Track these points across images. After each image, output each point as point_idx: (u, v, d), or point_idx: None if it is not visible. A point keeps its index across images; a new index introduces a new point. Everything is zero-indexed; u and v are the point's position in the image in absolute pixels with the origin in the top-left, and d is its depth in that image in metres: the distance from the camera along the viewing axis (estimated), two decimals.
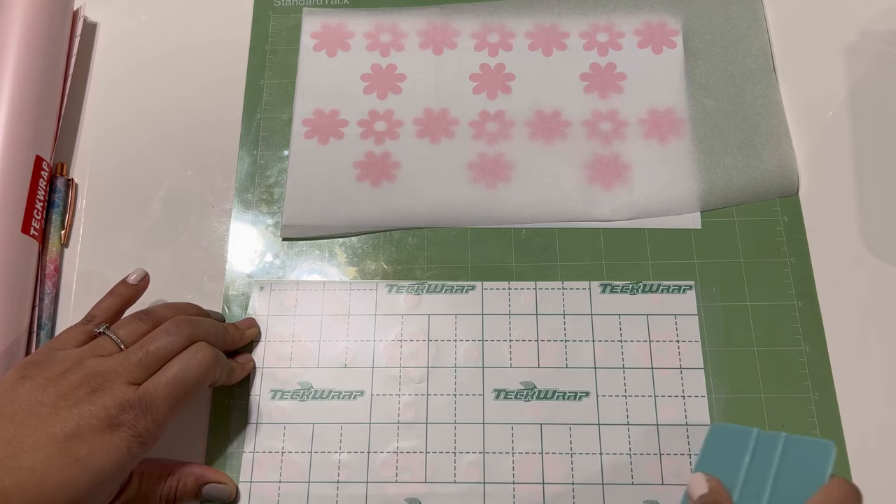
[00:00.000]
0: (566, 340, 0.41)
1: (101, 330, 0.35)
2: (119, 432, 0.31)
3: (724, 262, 0.43)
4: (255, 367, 0.40)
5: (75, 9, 0.48)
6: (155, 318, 0.36)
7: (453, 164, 0.45)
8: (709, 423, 0.39)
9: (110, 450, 0.31)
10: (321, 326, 0.41)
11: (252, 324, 0.41)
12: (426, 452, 0.39)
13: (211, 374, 0.35)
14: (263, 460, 0.39)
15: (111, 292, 0.37)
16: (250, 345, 0.41)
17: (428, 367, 0.40)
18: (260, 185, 0.45)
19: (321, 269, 0.43)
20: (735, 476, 0.30)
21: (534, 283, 0.42)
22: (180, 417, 0.39)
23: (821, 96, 0.47)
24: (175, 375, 0.33)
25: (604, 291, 0.42)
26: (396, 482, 0.38)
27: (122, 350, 0.34)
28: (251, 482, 0.38)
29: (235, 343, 0.40)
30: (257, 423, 0.39)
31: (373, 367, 0.40)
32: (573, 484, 0.38)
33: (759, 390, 0.40)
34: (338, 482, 0.38)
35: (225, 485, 0.37)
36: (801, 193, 0.44)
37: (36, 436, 0.30)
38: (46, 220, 0.43)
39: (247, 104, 0.47)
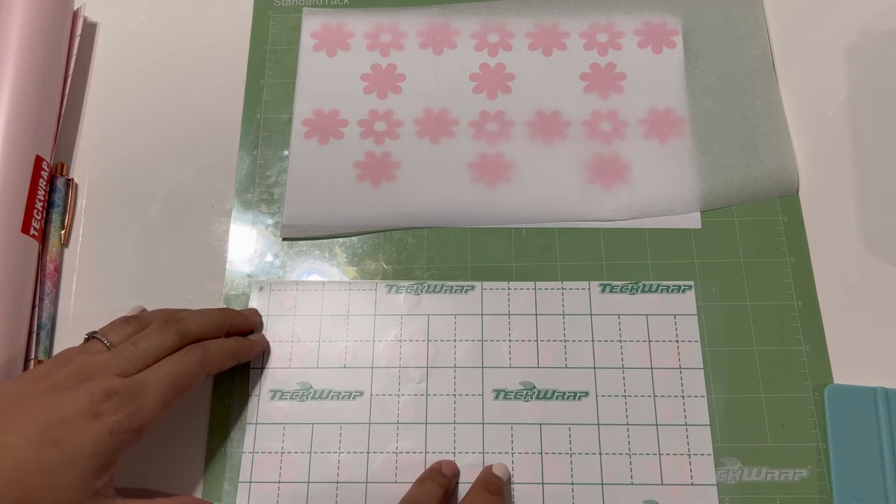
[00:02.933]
0: (566, 340, 0.41)
1: (89, 334, 0.35)
2: (102, 418, 0.31)
3: (724, 261, 0.42)
4: (257, 367, 0.40)
5: (75, 9, 0.48)
6: (142, 321, 0.36)
7: (453, 164, 0.45)
8: (708, 423, 0.39)
9: (90, 433, 0.31)
10: (321, 327, 0.41)
11: (255, 312, 0.41)
12: (426, 452, 0.39)
13: (205, 369, 0.35)
14: (263, 460, 0.39)
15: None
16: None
17: (427, 367, 0.40)
18: (260, 185, 0.45)
19: (321, 269, 0.43)
20: (873, 436, 0.33)
21: (533, 283, 0.42)
22: (180, 417, 0.39)
23: (821, 96, 0.47)
24: (168, 370, 0.34)
25: (603, 291, 0.42)
26: (396, 482, 0.38)
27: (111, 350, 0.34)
28: (251, 482, 0.38)
29: (237, 327, 0.40)
30: (257, 424, 0.39)
31: (372, 368, 0.40)
32: (572, 484, 0.38)
33: (758, 390, 0.40)
34: (337, 482, 0.38)
35: None
36: (801, 193, 0.44)
37: (18, 421, 0.30)
38: (46, 220, 0.43)
39: (247, 104, 0.47)
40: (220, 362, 0.37)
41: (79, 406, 0.31)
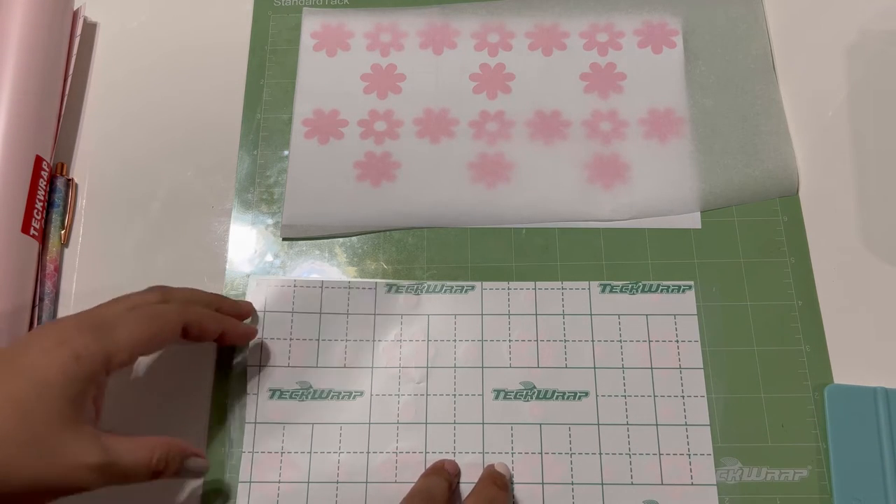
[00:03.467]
0: (566, 340, 0.41)
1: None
2: (68, 345, 0.31)
3: (724, 262, 0.42)
4: (255, 366, 0.40)
5: (75, 9, 0.48)
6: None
7: (453, 164, 0.45)
8: (708, 423, 0.39)
9: (55, 359, 0.30)
10: (320, 326, 0.41)
11: (248, 304, 0.41)
12: (426, 452, 0.39)
13: (183, 319, 0.35)
14: (263, 460, 0.39)
15: None
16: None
17: (427, 367, 0.40)
18: (260, 185, 0.45)
19: (321, 268, 0.43)
20: (873, 436, 0.34)
21: (533, 283, 0.42)
22: (180, 417, 0.39)
23: (821, 96, 0.47)
24: (145, 310, 0.34)
25: (603, 291, 0.42)
26: (396, 482, 0.38)
27: None
28: (251, 482, 0.38)
29: (226, 310, 0.39)
30: (256, 423, 0.39)
31: (372, 367, 0.40)
32: (573, 484, 0.38)
33: (758, 390, 0.40)
34: (337, 482, 0.38)
35: (204, 458, 0.36)
36: (801, 193, 0.44)
37: None
38: (46, 220, 0.43)
39: (247, 104, 0.47)
40: (201, 321, 0.36)
41: (47, 337, 0.31)
